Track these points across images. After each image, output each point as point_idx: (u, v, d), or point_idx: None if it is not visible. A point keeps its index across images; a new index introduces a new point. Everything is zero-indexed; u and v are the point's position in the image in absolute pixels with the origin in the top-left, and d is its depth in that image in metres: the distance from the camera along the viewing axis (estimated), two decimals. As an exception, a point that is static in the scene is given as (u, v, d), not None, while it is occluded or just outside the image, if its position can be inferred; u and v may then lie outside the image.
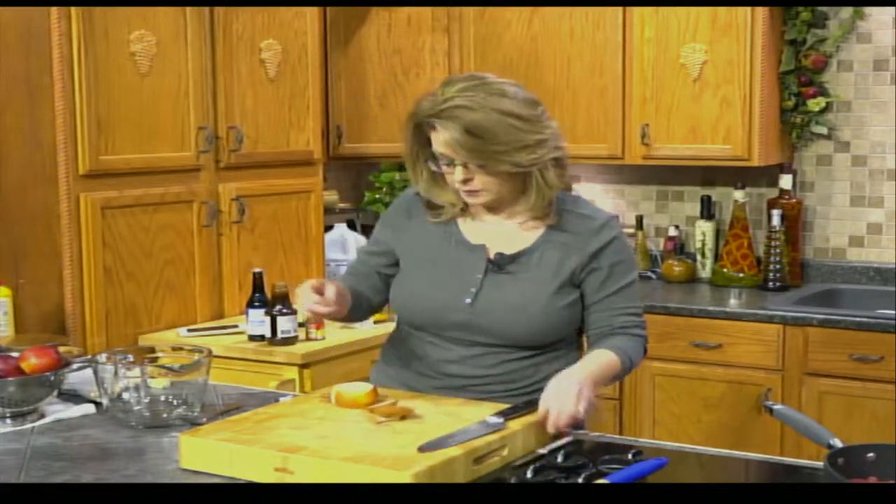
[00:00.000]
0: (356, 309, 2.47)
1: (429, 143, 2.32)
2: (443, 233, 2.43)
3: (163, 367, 2.35)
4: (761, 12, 4.01)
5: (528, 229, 2.38)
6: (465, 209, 2.42)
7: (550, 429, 2.11)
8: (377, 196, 4.77)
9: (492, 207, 2.38)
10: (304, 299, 2.29)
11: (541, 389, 2.25)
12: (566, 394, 2.13)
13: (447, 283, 2.38)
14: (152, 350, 2.50)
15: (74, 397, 2.51)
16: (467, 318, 2.34)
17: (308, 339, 3.59)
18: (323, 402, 2.25)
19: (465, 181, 2.28)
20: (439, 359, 2.40)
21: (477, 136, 2.21)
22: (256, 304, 3.60)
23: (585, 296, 2.36)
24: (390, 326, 2.67)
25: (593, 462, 1.96)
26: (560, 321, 2.36)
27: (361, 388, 2.22)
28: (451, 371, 2.39)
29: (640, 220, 4.55)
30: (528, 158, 2.26)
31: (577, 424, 2.15)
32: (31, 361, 2.39)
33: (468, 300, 2.35)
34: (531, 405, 2.15)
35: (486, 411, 2.13)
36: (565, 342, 2.42)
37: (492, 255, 2.37)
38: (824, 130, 4.25)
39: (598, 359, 2.29)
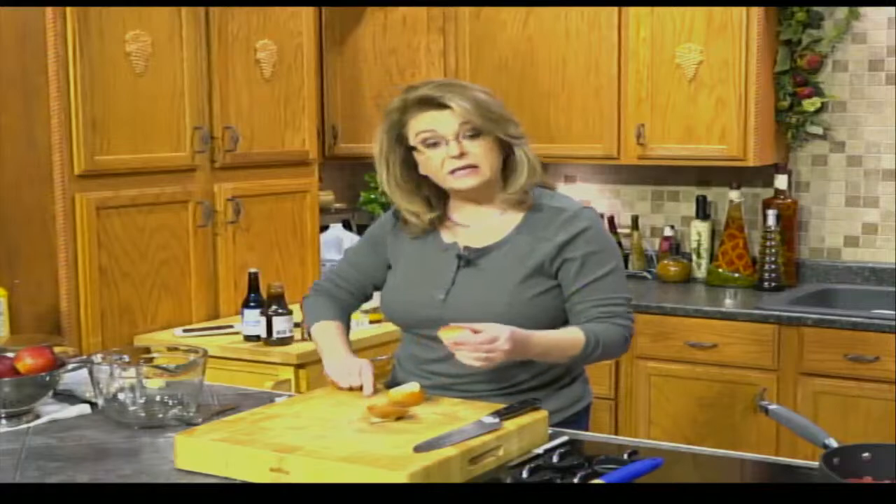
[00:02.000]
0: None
1: (401, 143, 2.39)
2: (424, 243, 2.48)
3: (158, 367, 2.36)
4: (756, 12, 4.01)
5: (500, 223, 2.41)
6: (439, 219, 2.46)
7: (453, 346, 2.15)
8: (373, 196, 4.76)
9: (472, 197, 2.41)
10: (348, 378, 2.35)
11: (529, 390, 2.32)
12: (495, 339, 2.14)
13: (423, 282, 2.42)
14: (148, 350, 2.50)
15: (70, 398, 2.51)
16: (439, 313, 2.36)
17: (304, 339, 3.59)
18: (322, 402, 2.25)
19: (461, 154, 2.32)
20: (426, 358, 2.44)
21: (477, 102, 2.32)
22: (252, 304, 3.60)
23: (563, 288, 2.37)
24: (388, 326, 2.69)
25: (589, 462, 1.97)
26: (532, 311, 2.35)
27: (410, 388, 2.23)
28: (436, 370, 2.41)
29: (635, 220, 4.55)
30: (517, 131, 2.38)
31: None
32: (27, 362, 2.39)
33: (441, 296, 2.39)
34: (526, 405, 2.15)
35: (482, 411, 2.13)
36: None
37: (461, 251, 2.41)
38: (819, 130, 4.25)
39: (558, 332, 2.31)
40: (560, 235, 2.36)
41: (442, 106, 2.32)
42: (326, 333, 2.53)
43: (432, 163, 2.36)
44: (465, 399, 2.30)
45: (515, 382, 2.38)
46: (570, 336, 2.30)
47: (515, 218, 2.41)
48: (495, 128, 2.33)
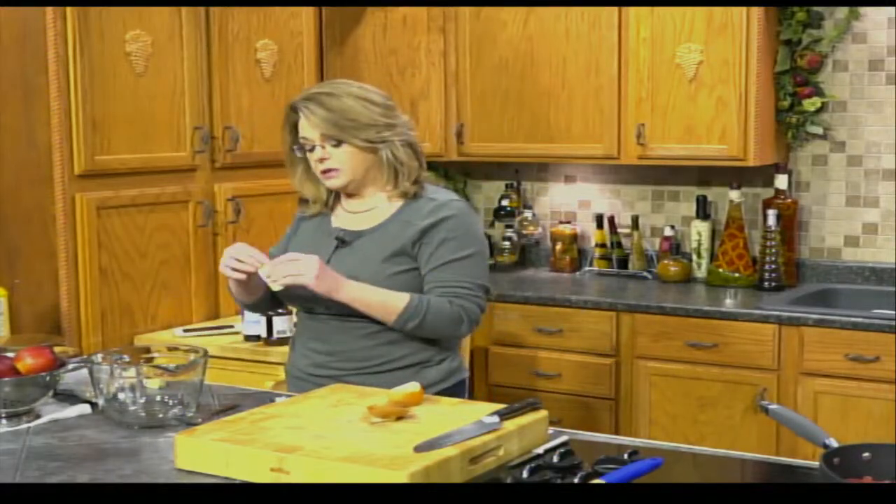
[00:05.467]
0: (265, 300, 2.74)
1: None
2: (316, 225, 2.73)
3: (158, 367, 2.36)
4: (757, 12, 4.01)
5: (381, 212, 2.65)
6: (335, 202, 2.72)
7: (265, 268, 2.46)
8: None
9: (350, 193, 2.67)
10: (231, 254, 2.53)
11: (398, 369, 2.54)
12: (308, 266, 2.45)
13: None
14: (148, 350, 2.50)
15: (70, 397, 2.51)
16: (312, 290, 2.50)
17: (304, 339, 3.59)
18: (322, 402, 2.25)
19: (322, 160, 2.59)
20: (308, 336, 2.68)
21: (333, 111, 2.55)
22: (252, 304, 3.60)
23: (420, 269, 2.59)
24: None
25: (589, 462, 1.96)
26: (393, 288, 2.55)
27: (410, 388, 2.23)
28: (316, 347, 2.65)
29: (635, 220, 4.55)
30: (378, 136, 2.58)
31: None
32: (27, 362, 2.39)
33: None
34: (528, 406, 2.16)
35: (483, 411, 2.13)
36: None
37: (339, 234, 2.65)
38: (820, 130, 4.25)
39: (382, 289, 2.54)
40: (425, 221, 2.59)
41: (303, 114, 2.59)
42: None
43: (312, 164, 2.64)
44: (337, 377, 2.52)
45: (387, 360, 2.59)
46: (395, 295, 2.54)
47: (394, 206, 2.65)
48: (350, 136, 2.57)
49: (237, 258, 2.51)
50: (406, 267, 2.59)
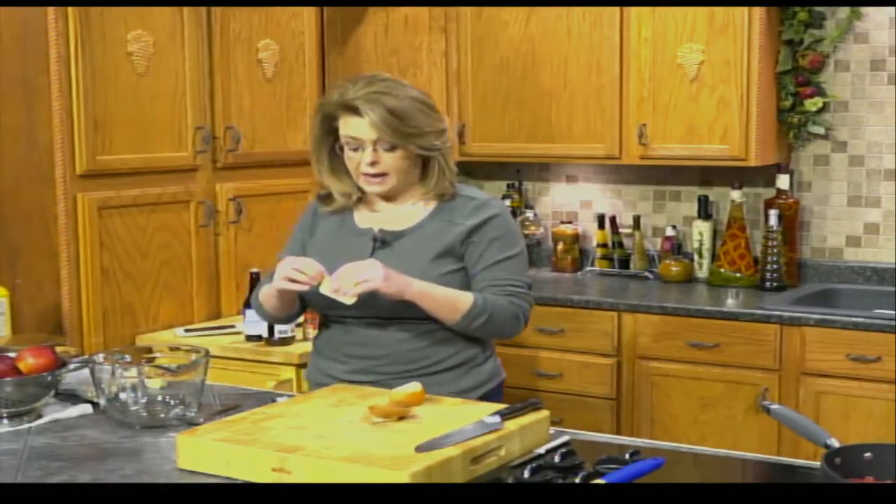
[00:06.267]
0: (296, 312, 2.67)
1: (333, 133, 2.52)
2: (338, 225, 2.61)
3: (160, 367, 2.36)
4: (758, 12, 4.01)
5: (415, 211, 2.56)
6: (360, 199, 2.60)
7: (332, 293, 2.34)
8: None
9: (387, 196, 2.56)
10: (293, 266, 2.40)
11: (445, 370, 2.47)
12: (373, 270, 2.34)
13: (338, 265, 2.43)
14: (149, 350, 2.50)
15: (72, 397, 2.51)
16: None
17: (305, 339, 3.59)
18: (323, 402, 2.25)
19: (373, 163, 2.46)
20: (346, 341, 2.55)
21: (397, 117, 2.44)
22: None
23: (468, 268, 2.52)
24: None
25: (590, 462, 1.96)
26: None
27: (412, 388, 2.23)
28: (355, 353, 2.53)
29: (637, 219, 4.55)
30: (436, 142, 2.51)
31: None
32: (28, 361, 2.39)
33: None
34: (529, 405, 2.16)
35: (484, 411, 2.13)
36: None
37: (377, 234, 2.54)
38: (821, 130, 4.25)
39: (447, 288, 2.45)
40: (470, 220, 2.52)
41: (363, 115, 2.44)
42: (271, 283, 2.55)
43: (351, 163, 2.51)
44: (382, 381, 2.42)
45: (432, 363, 2.50)
46: (460, 293, 2.46)
47: (429, 206, 2.56)
48: (409, 142, 2.46)
49: (300, 269, 2.39)
50: (454, 267, 2.51)
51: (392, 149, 2.46)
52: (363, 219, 2.60)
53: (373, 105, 2.42)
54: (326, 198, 2.63)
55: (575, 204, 4.74)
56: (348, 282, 2.34)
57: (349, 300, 2.35)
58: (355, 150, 2.48)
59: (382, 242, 2.53)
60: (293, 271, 2.39)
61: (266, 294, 2.59)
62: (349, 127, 2.47)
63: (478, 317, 2.46)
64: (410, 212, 2.56)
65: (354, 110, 2.44)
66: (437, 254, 2.50)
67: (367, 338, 2.52)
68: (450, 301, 2.45)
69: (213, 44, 3.90)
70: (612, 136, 4.28)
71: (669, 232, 4.50)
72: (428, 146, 2.49)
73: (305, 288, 2.40)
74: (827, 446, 1.88)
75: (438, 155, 2.52)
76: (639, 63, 4.19)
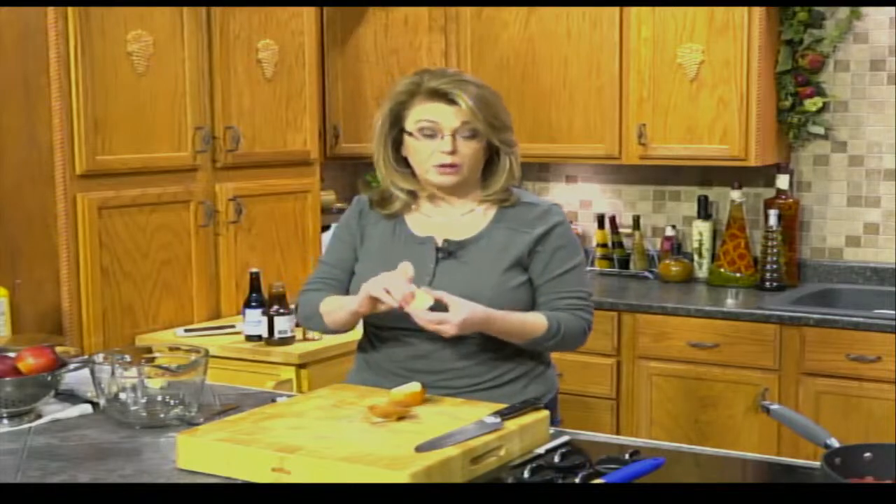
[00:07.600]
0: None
1: (397, 125, 2.42)
2: (392, 230, 2.48)
3: (160, 367, 2.36)
4: (758, 12, 4.01)
5: (474, 218, 2.45)
6: (414, 201, 2.48)
7: (427, 321, 2.24)
8: (374, 196, 4.76)
9: (448, 195, 2.45)
10: (384, 286, 2.27)
11: (507, 382, 2.39)
12: (443, 321, 2.23)
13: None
14: (149, 350, 2.50)
15: (71, 397, 2.51)
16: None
17: (305, 339, 3.59)
18: (323, 402, 2.25)
19: (453, 151, 2.36)
20: (406, 356, 2.43)
21: (487, 105, 2.38)
22: (253, 304, 3.60)
23: (532, 279, 2.43)
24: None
25: (590, 462, 1.96)
26: (512, 303, 2.38)
27: (412, 387, 2.23)
28: (417, 367, 2.41)
29: (637, 220, 4.55)
30: (512, 139, 2.43)
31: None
32: (28, 362, 2.39)
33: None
34: (528, 405, 2.15)
35: (484, 411, 2.13)
36: None
37: (440, 244, 2.42)
38: (821, 130, 4.25)
39: (521, 313, 2.37)
40: (537, 229, 2.42)
41: (451, 101, 2.36)
42: (341, 297, 2.45)
43: (420, 152, 2.40)
44: (446, 396, 2.31)
45: (498, 374, 2.42)
46: (534, 318, 2.38)
47: (489, 212, 2.45)
48: (493, 133, 2.39)
49: (388, 289, 2.25)
50: (522, 279, 2.40)
51: (472, 137, 2.37)
52: (418, 225, 2.47)
53: (464, 90, 2.35)
54: (385, 200, 2.49)
55: (575, 204, 4.74)
56: (424, 321, 2.24)
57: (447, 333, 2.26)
58: (431, 136, 2.37)
59: (448, 253, 2.41)
60: (383, 292, 2.26)
61: (334, 308, 2.45)
62: (428, 112, 2.37)
63: (551, 339, 2.39)
64: (470, 218, 2.45)
65: (443, 96, 2.36)
66: (508, 265, 2.39)
67: (428, 353, 2.40)
68: (525, 328, 2.36)
69: (212, 44, 3.89)
70: (612, 136, 4.28)
71: (669, 232, 4.50)
72: (508, 141, 2.42)
73: (395, 304, 2.25)
74: (827, 446, 1.88)
75: (511, 154, 2.43)
76: (639, 63, 4.20)
